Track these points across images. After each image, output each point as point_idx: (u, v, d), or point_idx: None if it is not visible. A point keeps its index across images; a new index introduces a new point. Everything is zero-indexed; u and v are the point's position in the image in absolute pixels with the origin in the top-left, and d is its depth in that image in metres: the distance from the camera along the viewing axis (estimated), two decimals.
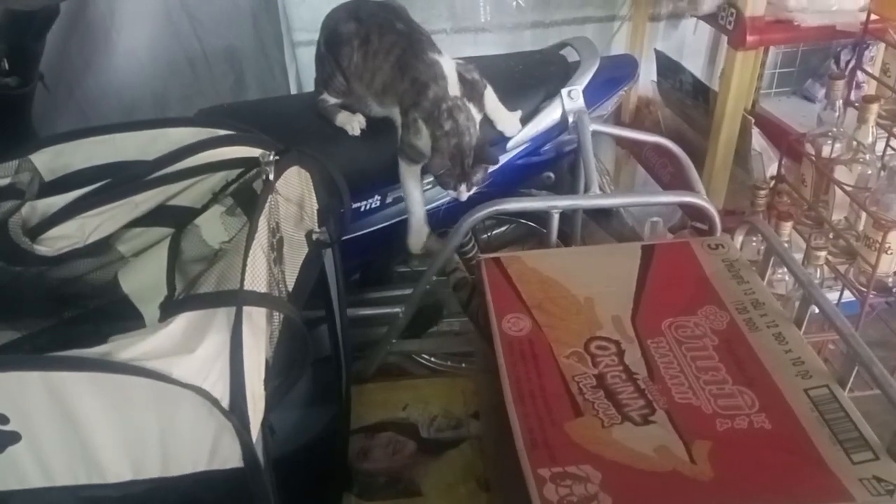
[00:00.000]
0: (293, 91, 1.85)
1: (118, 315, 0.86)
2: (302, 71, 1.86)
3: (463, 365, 1.65)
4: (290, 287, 0.86)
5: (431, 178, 1.34)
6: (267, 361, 0.76)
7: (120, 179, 0.87)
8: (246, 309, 0.70)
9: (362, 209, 1.34)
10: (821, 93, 1.98)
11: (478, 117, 1.26)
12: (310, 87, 1.60)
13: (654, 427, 0.92)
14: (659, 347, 1.03)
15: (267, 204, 0.78)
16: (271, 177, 0.79)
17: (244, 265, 0.70)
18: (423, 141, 1.22)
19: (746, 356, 1.00)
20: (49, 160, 0.96)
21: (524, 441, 0.90)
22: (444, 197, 1.37)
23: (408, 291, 1.50)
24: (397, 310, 1.35)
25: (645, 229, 1.83)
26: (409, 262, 1.64)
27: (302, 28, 1.82)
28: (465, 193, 1.24)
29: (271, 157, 0.79)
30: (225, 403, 0.68)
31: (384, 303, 1.49)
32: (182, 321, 0.68)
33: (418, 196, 1.30)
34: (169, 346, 0.66)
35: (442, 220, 1.31)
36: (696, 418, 0.92)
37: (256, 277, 0.72)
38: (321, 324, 1.14)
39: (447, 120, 1.19)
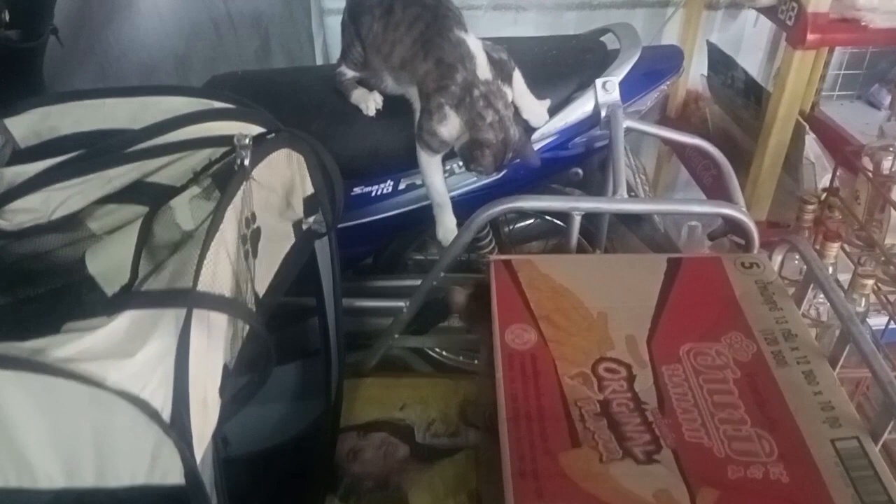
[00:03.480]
0: (319, 60, 1.77)
1: (82, 296, 0.80)
2: (330, 40, 1.79)
3: (476, 361, 1.58)
4: (267, 282, 0.79)
5: (449, 167, 1.26)
6: (226, 366, 0.69)
7: (94, 151, 0.80)
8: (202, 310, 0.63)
9: (373, 194, 1.27)
10: (887, 99, 1.84)
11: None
12: (337, 56, 1.53)
13: (657, 467, 0.83)
14: (674, 376, 0.94)
15: (239, 192, 0.71)
16: (246, 162, 0.71)
17: (200, 261, 0.63)
18: (449, 129, 1.14)
19: (770, 395, 0.91)
20: (35, 122, 0.90)
21: (512, 468, 0.83)
22: (461, 186, 1.28)
23: (418, 282, 1.43)
24: (402, 304, 1.27)
25: (682, 234, 1.72)
26: (424, 250, 1.57)
27: None
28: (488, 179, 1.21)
29: (247, 141, 0.71)
30: (166, 415, 0.61)
31: (392, 293, 1.42)
32: (126, 319, 0.61)
33: (442, 186, 1.22)
34: (108, 347, 0.60)
35: (460, 209, 1.22)
36: (705, 462, 0.83)
37: (217, 276, 0.65)
38: (312, 315, 1.07)
39: (487, 109, 1.11)
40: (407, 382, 1.31)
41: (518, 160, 1.15)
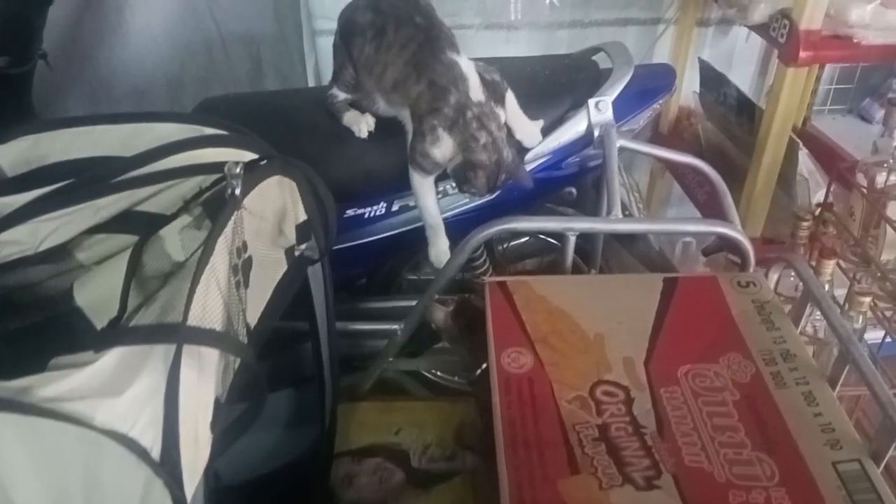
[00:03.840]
0: (311, 81, 1.76)
1: (70, 329, 0.79)
2: (321, 60, 1.77)
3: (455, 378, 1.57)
4: (259, 311, 0.78)
5: (442, 189, 1.25)
6: (217, 400, 0.68)
7: (83, 181, 0.79)
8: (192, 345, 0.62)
9: (366, 216, 1.25)
10: (879, 113, 1.84)
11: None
12: (329, 77, 1.52)
13: (657, 493, 0.82)
14: (672, 398, 0.93)
15: (230, 222, 0.70)
16: (237, 191, 0.70)
17: (190, 295, 0.61)
18: (442, 151, 1.13)
19: (770, 417, 0.90)
20: (24, 150, 0.89)
21: (511, 497, 0.82)
22: (454, 208, 1.27)
23: (413, 303, 1.42)
24: (396, 327, 1.26)
25: (676, 250, 1.71)
26: (418, 270, 1.56)
27: (323, 16, 1.73)
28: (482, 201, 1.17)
29: (237, 170, 0.70)
30: (155, 453, 0.60)
31: (386, 315, 1.40)
32: (114, 356, 0.60)
33: (435, 207, 1.21)
34: (95, 386, 0.58)
35: (453, 230, 1.21)
36: (706, 487, 0.82)
37: (207, 309, 0.64)
38: (305, 340, 1.06)
39: (480, 130, 1.10)
40: (402, 406, 1.29)
41: (511, 181, 1.15)
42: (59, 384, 0.58)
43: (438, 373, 1.54)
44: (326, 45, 1.76)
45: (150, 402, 0.59)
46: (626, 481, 0.83)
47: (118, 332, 0.61)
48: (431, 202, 1.20)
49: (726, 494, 0.81)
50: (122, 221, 0.82)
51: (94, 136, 0.90)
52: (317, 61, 1.78)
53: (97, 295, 0.79)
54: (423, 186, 1.18)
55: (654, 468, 0.84)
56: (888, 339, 1.35)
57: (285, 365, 1.20)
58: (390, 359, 1.26)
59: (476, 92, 1.12)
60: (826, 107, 1.91)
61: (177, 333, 0.60)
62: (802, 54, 1.28)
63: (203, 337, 0.61)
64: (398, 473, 1.18)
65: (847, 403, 1.21)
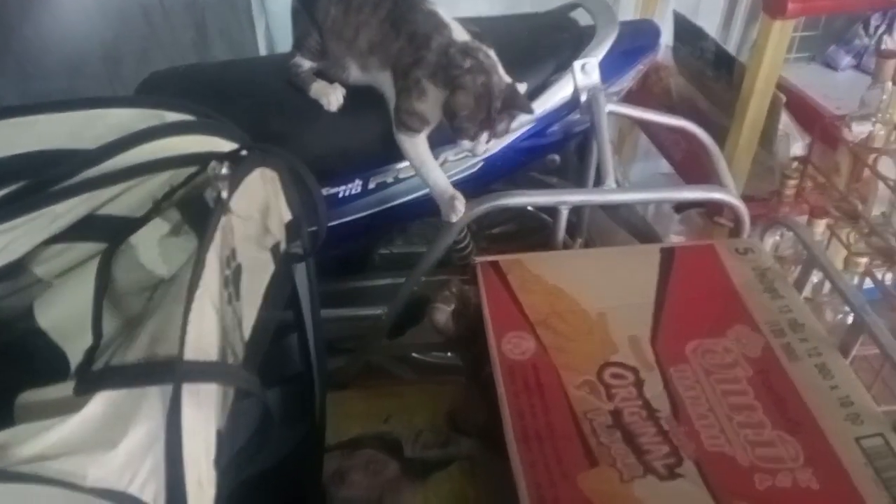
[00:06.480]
0: (261, 48, 1.63)
1: (34, 355, 0.69)
2: (273, 23, 1.64)
3: (448, 354, 1.52)
4: (252, 322, 0.70)
5: None
6: (218, 433, 0.60)
7: (34, 184, 0.69)
8: None
9: (340, 195, 1.17)
10: (845, 60, 1.82)
11: None
12: (282, 42, 1.40)
13: (682, 482, 0.79)
14: (684, 378, 0.89)
15: (218, 231, 0.61)
16: (224, 194, 0.62)
17: (184, 324, 0.53)
18: (429, 104, 1.03)
19: (786, 393, 0.87)
20: None
21: (531, 497, 0.77)
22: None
23: (388, 281, 1.35)
24: (378, 311, 1.19)
25: (649, 208, 1.68)
26: (391, 244, 1.49)
27: None
28: (482, 145, 1.02)
29: (223, 170, 0.61)
30: None
31: (364, 295, 1.33)
32: (102, 402, 0.51)
33: (433, 163, 1.08)
34: (84, 438, 0.50)
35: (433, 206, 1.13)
36: (731, 472, 0.79)
37: (203, 336, 0.55)
38: (289, 333, 0.98)
39: (464, 59, 0.99)
40: (389, 391, 1.23)
41: (511, 111, 1.03)
42: (39, 439, 0.49)
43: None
44: (278, 5, 1.63)
45: (149, 451, 0.52)
46: (648, 471, 0.79)
47: (104, 373, 0.53)
48: (426, 157, 1.08)
49: (751, 479, 0.78)
50: (84, 228, 0.72)
51: (39, 128, 0.79)
52: (268, 25, 1.64)
53: (63, 315, 0.69)
54: (416, 147, 1.07)
55: (674, 455, 0.81)
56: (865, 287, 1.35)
57: (270, 361, 1.12)
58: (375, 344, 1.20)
59: (459, 34, 1.03)
60: (791, 55, 1.87)
61: (175, 372, 0.52)
62: (791, 6, 1.22)
63: (204, 373, 0.54)
64: (392, 465, 1.12)
65: None
